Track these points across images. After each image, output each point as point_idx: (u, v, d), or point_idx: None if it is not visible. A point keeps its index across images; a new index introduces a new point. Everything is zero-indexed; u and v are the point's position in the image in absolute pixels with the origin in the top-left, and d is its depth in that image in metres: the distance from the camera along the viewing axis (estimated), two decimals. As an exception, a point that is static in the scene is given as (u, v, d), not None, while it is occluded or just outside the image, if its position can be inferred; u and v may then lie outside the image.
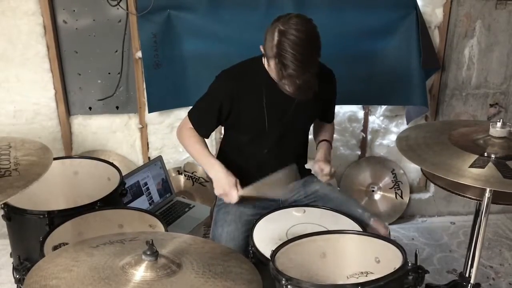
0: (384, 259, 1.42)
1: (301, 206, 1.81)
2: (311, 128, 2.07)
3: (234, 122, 1.82)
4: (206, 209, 2.33)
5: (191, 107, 1.87)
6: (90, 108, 2.60)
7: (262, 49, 1.66)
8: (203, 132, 1.85)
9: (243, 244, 1.66)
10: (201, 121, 1.83)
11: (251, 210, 1.78)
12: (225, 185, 1.71)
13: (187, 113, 1.87)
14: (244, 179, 1.76)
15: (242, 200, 1.75)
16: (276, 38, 1.55)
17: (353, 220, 1.70)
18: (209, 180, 2.70)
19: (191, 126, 1.84)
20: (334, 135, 2.76)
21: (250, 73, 1.78)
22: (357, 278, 1.46)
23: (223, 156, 1.90)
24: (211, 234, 1.77)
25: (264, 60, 1.77)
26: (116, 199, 1.81)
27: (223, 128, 1.95)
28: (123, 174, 1.93)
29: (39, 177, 1.27)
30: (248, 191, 1.71)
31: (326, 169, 1.79)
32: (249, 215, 1.76)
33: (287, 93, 1.63)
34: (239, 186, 1.71)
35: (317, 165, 1.83)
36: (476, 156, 1.45)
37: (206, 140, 1.89)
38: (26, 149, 1.42)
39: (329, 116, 2.04)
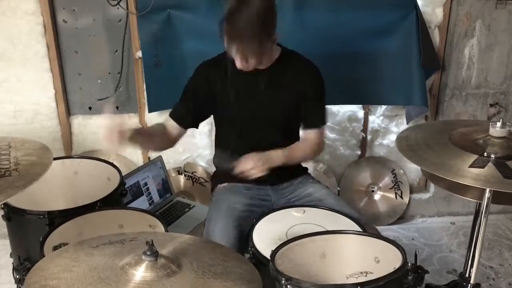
0: (384, 259, 1.42)
1: (297, 205, 1.81)
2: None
3: (212, 110, 1.88)
4: (206, 209, 2.31)
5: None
6: (90, 108, 2.60)
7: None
8: (185, 122, 1.85)
9: (235, 239, 1.65)
10: (179, 110, 1.85)
11: (242, 206, 1.80)
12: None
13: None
14: (234, 173, 1.75)
15: (234, 193, 1.84)
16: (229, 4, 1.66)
17: (353, 221, 1.70)
18: (209, 180, 2.71)
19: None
20: (334, 135, 2.80)
21: (222, 62, 1.81)
22: (357, 278, 1.46)
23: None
24: (205, 230, 1.77)
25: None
26: (116, 199, 1.81)
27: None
28: (123, 174, 1.93)
29: (39, 177, 1.26)
30: None
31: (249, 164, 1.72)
32: (240, 210, 1.77)
33: (233, 47, 1.66)
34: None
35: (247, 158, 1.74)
36: (476, 156, 1.45)
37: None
38: (26, 149, 1.42)
39: (315, 119, 1.88)
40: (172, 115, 1.85)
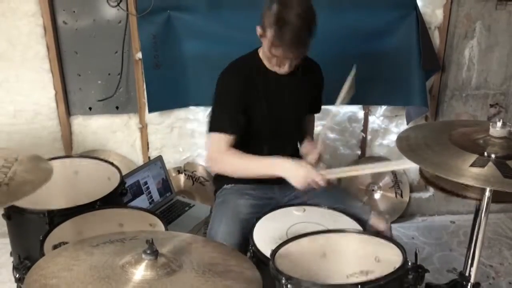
0: (384, 258, 1.42)
1: (300, 204, 1.82)
2: None
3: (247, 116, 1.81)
4: (206, 208, 2.33)
5: (208, 124, 1.76)
6: (90, 109, 2.61)
7: (259, 29, 1.70)
8: (239, 132, 1.71)
9: (239, 242, 1.66)
10: (231, 122, 1.71)
11: (249, 208, 1.79)
12: (306, 174, 1.61)
13: (209, 135, 1.73)
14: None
15: (240, 194, 1.80)
16: (275, 10, 1.62)
17: (353, 219, 1.71)
18: (209, 180, 2.72)
19: (223, 144, 1.69)
20: (334, 135, 2.82)
21: (248, 67, 1.81)
22: (357, 277, 1.46)
23: None
24: (208, 231, 1.77)
25: (261, 52, 1.81)
26: (116, 198, 1.81)
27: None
28: (123, 174, 1.93)
29: (24, 196, 1.24)
30: (332, 172, 1.68)
31: (314, 150, 1.83)
32: (246, 213, 1.76)
33: (286, 52, 1.65)
34: (320, 168, 1.68)
35: (306, 148, 1.90)
36: (476, 156, 1.45)
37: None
38: (29, 165, 1.40)
39: (318, 107, 2.08)
40: (229, 131, 1.70)
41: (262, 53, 1.82)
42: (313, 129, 2.13)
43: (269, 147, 1.84)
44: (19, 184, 1.29)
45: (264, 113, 1.81)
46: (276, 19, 1.61)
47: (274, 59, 1.72)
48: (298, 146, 2.04)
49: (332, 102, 2.16)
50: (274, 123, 1.84)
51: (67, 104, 2.57)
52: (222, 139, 1.70)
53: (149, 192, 2.39)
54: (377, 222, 1.77)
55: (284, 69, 1.74)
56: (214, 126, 1.73)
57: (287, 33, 1.60)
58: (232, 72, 1.81)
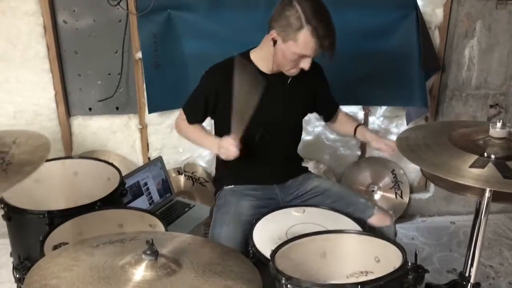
0: (384, 259, 1.43)
1: (301, 204, 1.82)
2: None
3: (224, 115, 1.80)
4: (206, 209, 2.32)
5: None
6: (90, 109, 2.61)
7: (274, 34, 1.68)
8: (193, 120, 1.90)
9: (241, 244, 1.66)
10: (191, 111, 1.89)
11: (250, 210, 1.79)
12: (220, 143, 1.71)
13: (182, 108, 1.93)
14: (240, 175, 1.81)
15: (241, 196, 1.80)
16: (299, 9, 1.61)
17: (353, 220, 1.71)
18: (209, 180, 2.72)
19: (184, 120, 1.90)
20: (334, 136, 2.81)
21: (238, 67, 1.79)
22: (357, 277, 1.46)
23: (219, 158, 1.89)
24: (210, 234, 1.77)
25: (253, 54, 1.82)
26: (116, 199, 1.81)
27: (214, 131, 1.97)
28: (123, 175, 1.93)
29: (24, 178, 1.24)
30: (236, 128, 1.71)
31: (391, 143, 1.84)
32: (248, 215, 1.76)
33: (327, 53, 1.68)
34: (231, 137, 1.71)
35: (381, 143, 1.88)
36: (476, 157, 1.45)
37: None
38: (26, 146, 1.40)
39: (334, 104, 2.06)
40: (187, 116, 1.90)
41: (256, 55, 1.82)
42: (353, 118, 2.10)
43: (266, 146, 1.85)
44: (17, 167, 1.28)
45: (260, 114, 1.79)
46: (309, 17, 1.60)
47: (293, 62, 1.70)
48: (297, 145, 2.04)
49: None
50: (269, 123, 1.83)
51: (67, 105, 2.57)
52: (184, 116, 1.92)
53: (149, 193, 2.39)
54: (381, 218, 1.78)
55: (306, 66, 1.71)
56: (185, 105, 1.92)
57: (325, 28, 1.61)
58: (213, 73, 1.83)
